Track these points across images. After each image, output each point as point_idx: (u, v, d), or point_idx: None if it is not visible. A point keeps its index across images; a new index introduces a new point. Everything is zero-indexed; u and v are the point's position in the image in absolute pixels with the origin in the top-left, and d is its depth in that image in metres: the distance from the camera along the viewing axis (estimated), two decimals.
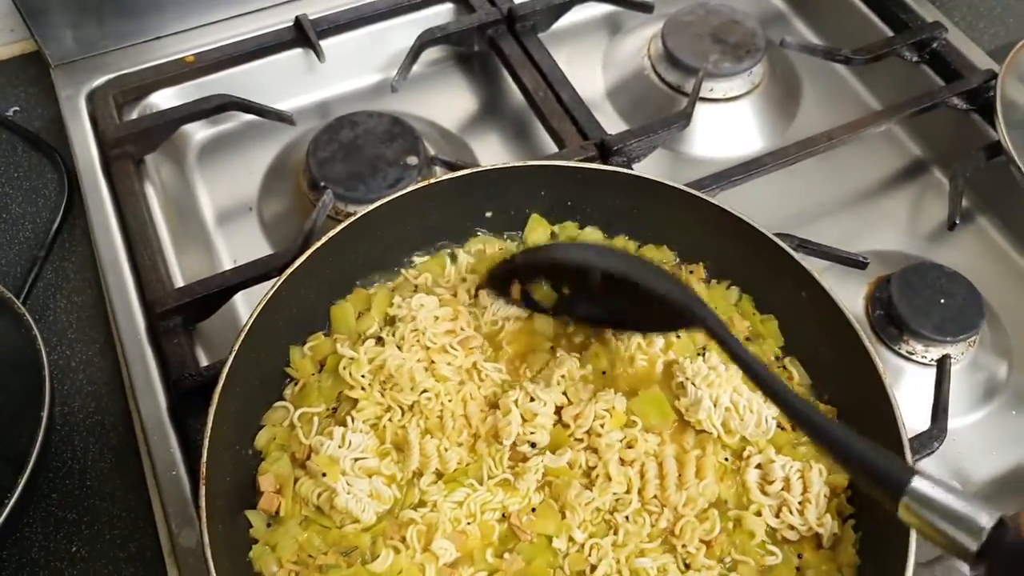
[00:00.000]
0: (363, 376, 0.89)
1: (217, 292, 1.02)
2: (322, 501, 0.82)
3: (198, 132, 1.28)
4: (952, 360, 1.02)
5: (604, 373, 0.93)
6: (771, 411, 0.88)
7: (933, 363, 1.05)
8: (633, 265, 0.86)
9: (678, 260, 1.01)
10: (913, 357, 1.07)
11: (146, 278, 1.04)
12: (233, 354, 0.81)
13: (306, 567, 0.80)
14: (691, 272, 0.99)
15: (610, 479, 0.83)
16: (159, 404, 0.96)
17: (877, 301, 1.10)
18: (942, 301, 1.07)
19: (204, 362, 1.01)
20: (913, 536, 0.73)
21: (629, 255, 0.95)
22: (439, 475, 0.85)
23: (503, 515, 0.83)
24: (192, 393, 0.95)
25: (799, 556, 0.81)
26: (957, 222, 1.14)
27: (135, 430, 1.00)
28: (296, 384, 0.91)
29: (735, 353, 0.77)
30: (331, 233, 0.87)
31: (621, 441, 0.86)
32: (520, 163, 0.95)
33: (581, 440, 0.87)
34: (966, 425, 1.05)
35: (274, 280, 0.86)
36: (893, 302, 1.07)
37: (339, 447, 0.83)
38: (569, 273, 0.88)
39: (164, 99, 1.26)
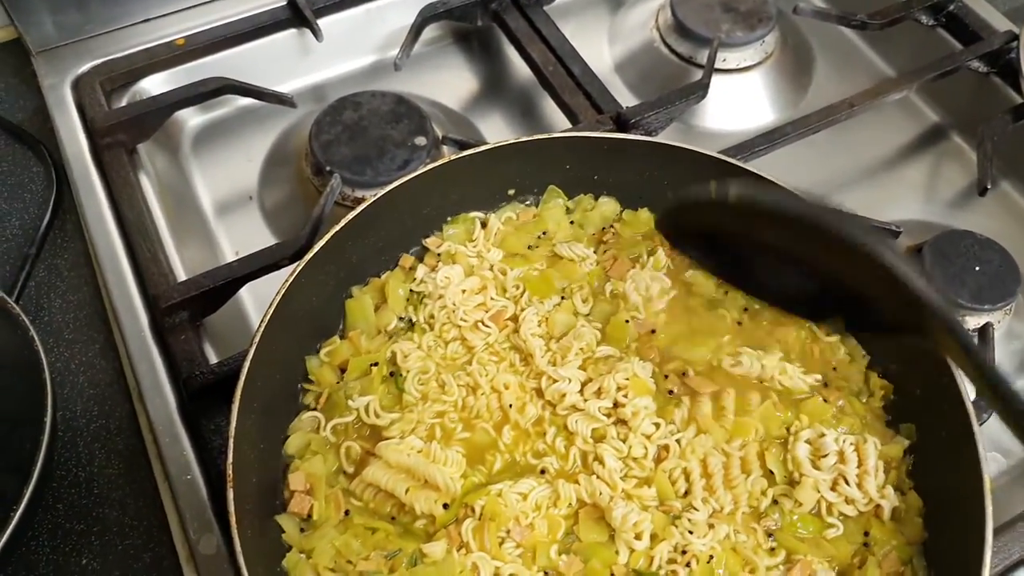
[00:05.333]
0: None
1: (224, 284, 0.96)
2: (396, 488, 0.77)
3: (191, 119, 1.21)
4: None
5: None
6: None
7: (971, 333, 1.02)
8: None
9: None
10: None
11: (147, 271, 0.98)
12: (255, 345, 0.76)
13: (345, 574, 0.75)
14: None
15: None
16: (168, 404, 0.91)
17: None
18: (977, 269, 1.04)
19: (213, 360, 0.95)
20: (989, 503, 0.70)
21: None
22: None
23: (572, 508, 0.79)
24: (204, 392, 0.90)
25: (866, 533, 0.77)
26: (989, 187, 1.11)
27: (142, 433, 0.95)
28: (320, 394, 0.86)
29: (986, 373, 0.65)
30: (355, 212, 0.82)
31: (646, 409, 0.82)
32: (546, 135, 0.90)
33: (608, 415, 0.83)
34: None
35: (295, 264, 0.81)
36: (927, 272, 1.04)
37: None
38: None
39: (154, 85, 1.19)
